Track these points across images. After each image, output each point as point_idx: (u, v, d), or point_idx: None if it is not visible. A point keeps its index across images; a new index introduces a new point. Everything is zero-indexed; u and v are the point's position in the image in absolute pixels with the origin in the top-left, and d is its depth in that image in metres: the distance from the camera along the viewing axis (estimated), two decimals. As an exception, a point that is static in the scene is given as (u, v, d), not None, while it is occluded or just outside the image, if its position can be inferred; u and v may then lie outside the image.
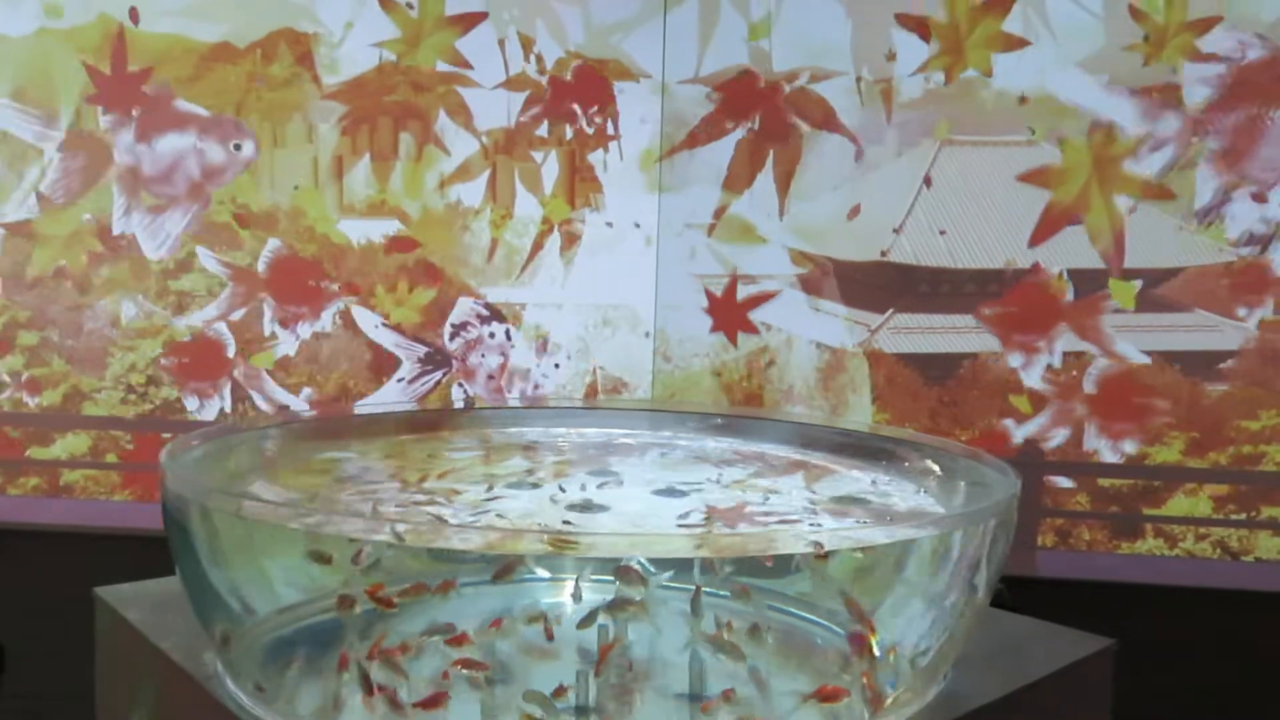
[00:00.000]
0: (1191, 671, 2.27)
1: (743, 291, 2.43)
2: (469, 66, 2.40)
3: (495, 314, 2.44)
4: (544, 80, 2.40)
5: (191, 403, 2.49)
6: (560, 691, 1.15)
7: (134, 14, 2.41)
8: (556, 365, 2.45)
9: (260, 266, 2.46)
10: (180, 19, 2.42)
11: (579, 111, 2.40)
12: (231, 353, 2.48)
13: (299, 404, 2.47)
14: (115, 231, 2.45)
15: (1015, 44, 2.30)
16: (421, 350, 2.43)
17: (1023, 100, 2.30)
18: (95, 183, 2.44)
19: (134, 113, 2.41)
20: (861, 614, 1.23)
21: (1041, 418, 2.33)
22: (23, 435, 2.50)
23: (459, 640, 1.20)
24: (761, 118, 2.39)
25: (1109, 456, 2.32)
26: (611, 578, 1.16)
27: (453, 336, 2.44)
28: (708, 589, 1.23)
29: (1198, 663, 2.28)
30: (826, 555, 1.17)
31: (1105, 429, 2.32)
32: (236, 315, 2.47)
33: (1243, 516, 2.30)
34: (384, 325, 2.43)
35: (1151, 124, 2.26)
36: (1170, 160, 2.26)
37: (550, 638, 1.23)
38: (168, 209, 2.42)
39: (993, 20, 2.30)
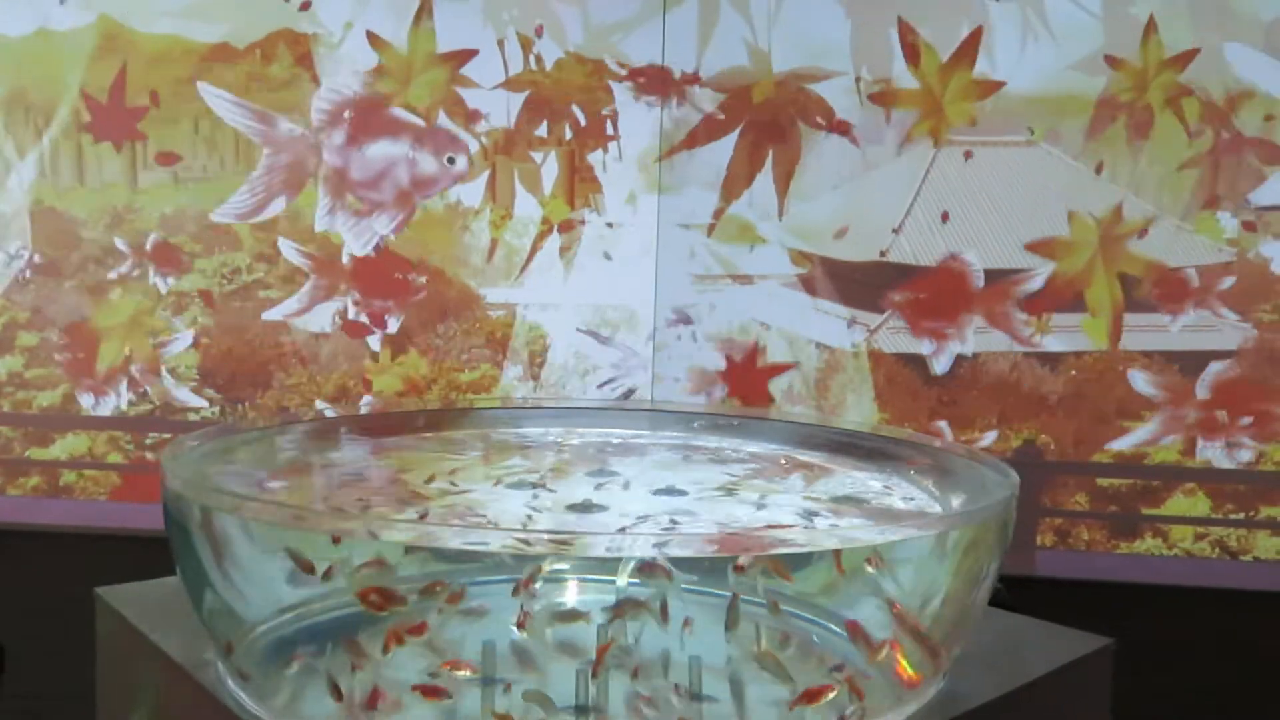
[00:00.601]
0: (1191, 671, 2.27)
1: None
2: (462, 102, 2.39)
3: (683, 317, 2.43)
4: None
5: (86, 400, 2.47)
6: (508, 686, 1.15)
7: (155, 97, 2.40)
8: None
9: (344, 259, 2.44)
10: (179, 20, 2.41)
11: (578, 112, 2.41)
12: (127, 349, 2.46)
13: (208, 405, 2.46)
14: (317, 229, 2.43)
15: (990, 89, 2.30)
16: (615, 355, 2.42)
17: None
18: (302, 183, 2.41)
19: (346, 114, 2.37)
20: (912, 624, 1.22)
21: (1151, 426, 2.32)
22: (23, 435, 2.50)
23: (419, 630, 1.20)
24: (760, 117, 2.39)
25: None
26: (595, 576, 1.16)
27: (646, 340, 2.44)
28: (693, 589, 1.22)
29: (1197, 662, 2.28)
30: (744, 568, 1.16)
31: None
32: (319, 309, 2.46)
33: (1241, 516, 2.31)
34: (580, 330, 2.42)
35: None
36: None
37: (521, 627, 1.23)
38: (372, 213, 2.39)
39: (963, 72, 2.30)
